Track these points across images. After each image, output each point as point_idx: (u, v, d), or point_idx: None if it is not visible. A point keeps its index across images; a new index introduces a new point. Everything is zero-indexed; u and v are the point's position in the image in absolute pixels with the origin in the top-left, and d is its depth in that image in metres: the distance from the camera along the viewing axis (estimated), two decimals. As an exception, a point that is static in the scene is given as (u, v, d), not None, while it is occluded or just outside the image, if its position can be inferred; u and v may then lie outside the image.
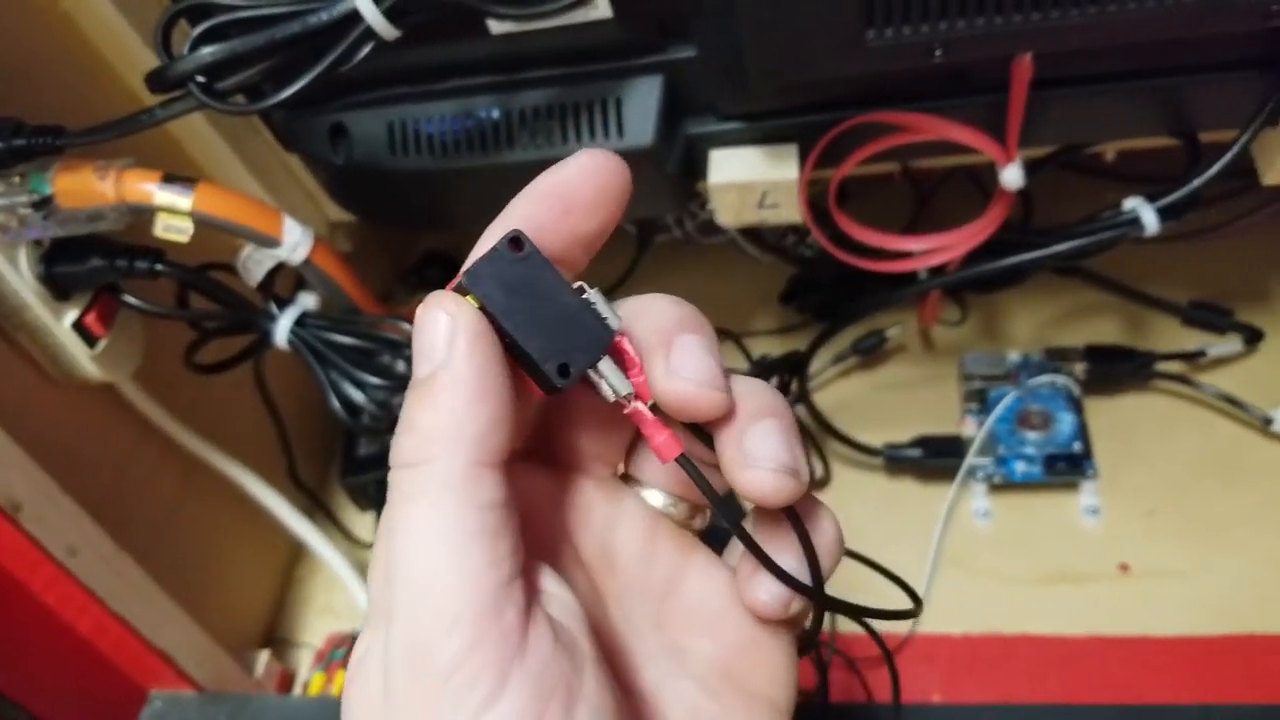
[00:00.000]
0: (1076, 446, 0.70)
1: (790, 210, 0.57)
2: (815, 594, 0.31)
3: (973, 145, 0.55)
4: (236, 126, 0.64)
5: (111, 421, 0.61)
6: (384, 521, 0.28)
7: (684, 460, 0.29)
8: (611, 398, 0.29)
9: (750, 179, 0.56)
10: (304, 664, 0.73)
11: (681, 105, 0.56)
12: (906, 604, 0.37)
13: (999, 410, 0.71)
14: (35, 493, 0.53)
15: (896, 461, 0.72)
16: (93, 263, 0.53)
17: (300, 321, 0.57)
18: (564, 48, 0.53)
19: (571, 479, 0.33)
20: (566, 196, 0.29)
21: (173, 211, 0.51)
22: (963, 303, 0.80)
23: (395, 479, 0.27)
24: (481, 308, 0.28)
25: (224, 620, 0.66)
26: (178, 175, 0.52)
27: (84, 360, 0.55)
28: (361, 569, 0.73)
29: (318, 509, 0.77)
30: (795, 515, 0.30)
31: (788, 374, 0.76)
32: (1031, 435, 0.71)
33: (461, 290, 0.28)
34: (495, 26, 0.52)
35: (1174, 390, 0.73)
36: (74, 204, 0.51)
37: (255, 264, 0.55)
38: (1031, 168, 0.57)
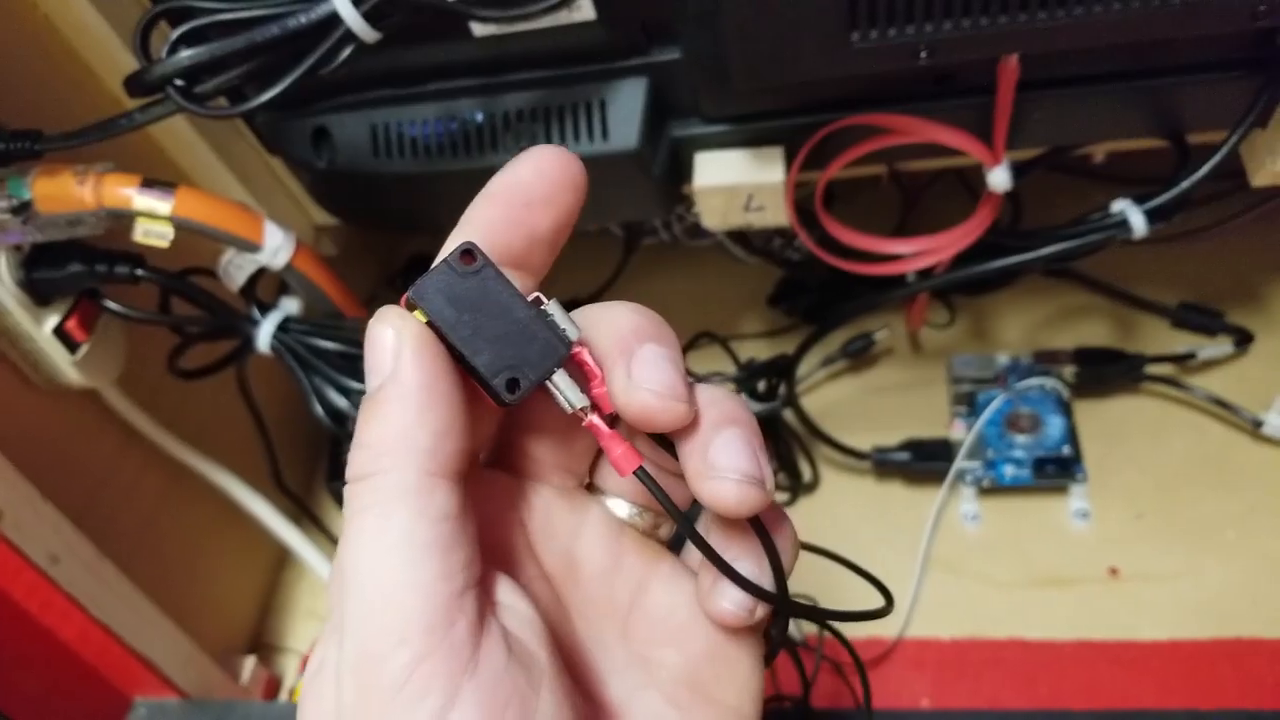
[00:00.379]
0: (1066, 450, 0.70)
1: (777, 213, 0.57)
2: (779, 600, 0.31)
3: (960, 148, 0.54)
4: (220, 130, 0.63)
5: (94, 427, 0.61)
6: (341, 535, 0.27)
7: (642, 473, 0.29)
8: (568, 410, 0.29)
9: (736, 182, 0.56)
10: (290, 670, 0.72)
11: (666, 108, 0.56)
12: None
13: (988, 413, 0.71)
14: (16, 500, 0.52)
15: (885, 465, 0.72)
16: (72, 268, 0.53)
17: (283, 326, 0.57)
18: (548, 50, 0.53)
19: (535, 489, 0.33)
20: (522, 192, 0.29)
21: (152, 216, 0.51)
22: (951, 305, 0.80)
23: (348, 493, 0.27)
24: (429, 322, 0.28)
25: (209, 626, 0.66)
26: (157, 180, 0.51)
27: (65, 366, 0.55)
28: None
29: (303, 514, 0.76)
30: (759, 524, 0.30)
31: (776, 377, 0.76)
32: (1020, 438, 0.70)
33: (410, 305, 0.28)
34: (478, 29, 0.52)
35: (1164, 393, 0.73)
36: (53, 209, 0.50)
37: (237, 269, 0.55)
38: (1019, 169, 0.56)
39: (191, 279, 0.57)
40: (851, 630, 0.65)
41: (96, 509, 0.59)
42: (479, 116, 0.56)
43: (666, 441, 0.30)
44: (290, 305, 0.58)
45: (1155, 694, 0.61)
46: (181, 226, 0.51)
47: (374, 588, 0.26)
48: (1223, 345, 0.72)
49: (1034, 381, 0.72)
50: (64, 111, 0.53)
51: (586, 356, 0.29)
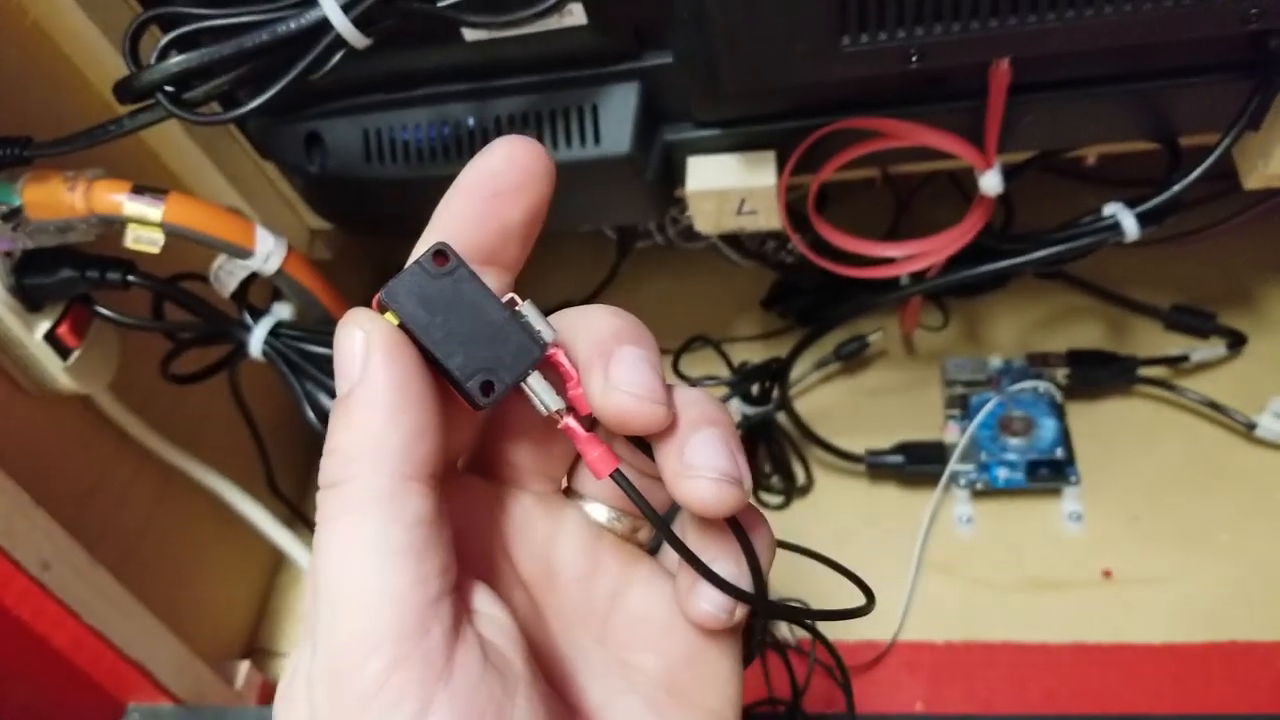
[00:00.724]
0: (1059, 452, 0.70)
1: (769, 217, 0.57)
2: (757, 601, 0.31)
3: (951, 151, 0.54)
4: (213, 135, 0.63)
5: (86, 433, 0.61)
6: (314, 542, 0.27)
7: (619, 476, 0.29)
8: (544, 413, 0.29)
9: (728, 186, 0.56)
10: (285, 675, 0.72)
11: (658, 112, 0.56)
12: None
13: (981, 416, 0.71)
14: (7, 506, 0.52)
15: (879, 468, 0.72)
16: (63, 274, 0.53)
17: (274, 332, 0.56)
18: (540, 54, 0.53)
19: (512, 494, 0.33)
20: (492, 181, 0.29)
21: (143, 223, 0.50)
22: (944, 308, 0.80)
23: (320, 499, 0.27)
24: (401, 325, 0.27)
25: (203, 631, 0.66)
26: (148, 186, 0.51)
27: (57, 372, 0.55)
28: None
29: (297, 518, 0.76)
30: (737, 524, 0.30)
31: (769, 380, 0.76)
32: (1014, 441, 0.70)
33: (382, 307, 0.28)
34: (470, 34, 0.52)
35: (1157, 395, 0.73)
36: (43, 215, 0.50)
37: (228, 274, 0.55)
38: (1011, 172, 0.56)
39: (183, 284, 0.57)
40: (846, 633, 0.65)
41: (89, 515, 0.59)
42: (471, 121, 0.56)
43: (644, 445, 0.30)
44: (282, 311, 0.58)
45: (1148, 697, 0.61)
46: (172, 233, 0.51)
47: (344, 594, 0.25)
48: (1216, 347, 0.72)
49: (1027, 384, 0.72)
50: (55, 117, 0.53)
51: (562, 358, 0.29)
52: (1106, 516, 0.69)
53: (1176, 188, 0.55)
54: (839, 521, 0.73)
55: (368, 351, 0.27)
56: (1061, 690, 0.62)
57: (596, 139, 0.54)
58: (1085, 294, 0.77)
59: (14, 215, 0.50)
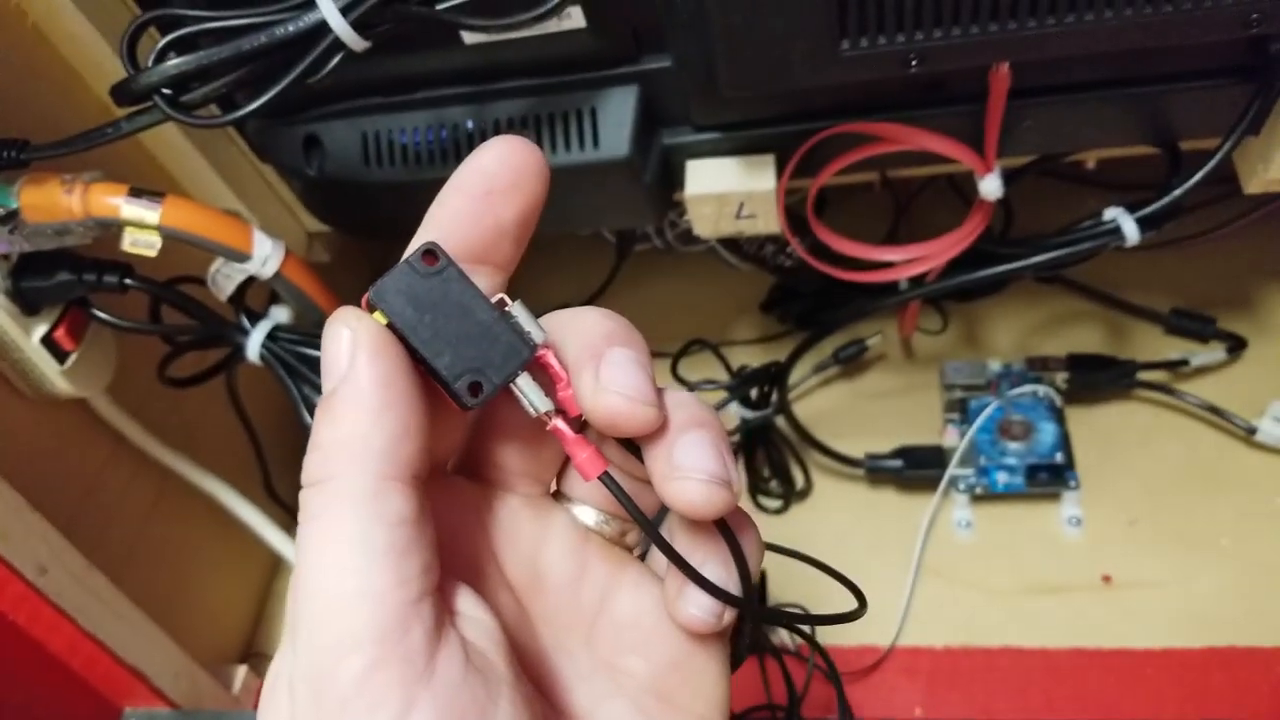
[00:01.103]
0: (1058, 457, 0.70)
1: (768, 221, 0.57)
2: (746, 605, 0.30)
3: (951, 155, 0.54)
4: (210, 138, 0.63)
5: (83, 437, 0.60)
6: (295, 541, 0.27)
7: (607, 478, 0.29)
8: (533, 414, 0.28)
9: (727, 190, 0.56)
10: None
11: (657, 116, 0.55)
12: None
13: (980, 420, 0.71)
14: (3, 510, 0.52)
15: (878, 472, 0.72)
16: (60, 277, 0.53)
17: (272, 335, 0.56)
18: (539, 58, 0.53)
19: (500, 496, 0.32)
20: (486, 180, 0.29)
21: (140, 226, 0.50)
22: (943, 311, 0.80)
23: (303, 498, 0.27)
24: (389, 324, 0.27)
25: (200, 636, 0.65)
26: (145, 189, 0.51)
27: (53, 375, 0.55)
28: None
29: (294, 522, 0.76)
30: (725, 526, 0.30)
31: (768, 384, 0.75)
32: (1013, 445, 0.70)
33: (371, 306, 0.27)
34: (469, 37, 0.52)
35: (1156, 399, 0.73)
36: (40, 218, 0.50)
37: (225, 278, 0.55)
38: (1011, 176, 0.56)
39: (181, 287, 0.56)
40: (844, 638, 0.65)
41: (86, 518, 0.58)
42: (469, 124, 0.56)
43: (634, 448, 0.29)
44: (280, 314, 0.58)
45: (1148, 702, 0.61)
46: (169, 236, 0.51)
47: (324, 594, 0.25)
48: (1215, 352, 0.72)
49: (1026, 388, 0.72)
50: (52, 120, 0.53)
51: (551, 359, 0.29)
52: (1106, 521, 0.68)
53: (1177, 192, 0.55)
54: (838, 526, 0.72)
55: (354, 350, 0.26)
56: (1061, 695, 0.62)
57: (595, 142, 0.54)
58: (1085, 298, 0.77)
59: (11, 218, 0.50)
